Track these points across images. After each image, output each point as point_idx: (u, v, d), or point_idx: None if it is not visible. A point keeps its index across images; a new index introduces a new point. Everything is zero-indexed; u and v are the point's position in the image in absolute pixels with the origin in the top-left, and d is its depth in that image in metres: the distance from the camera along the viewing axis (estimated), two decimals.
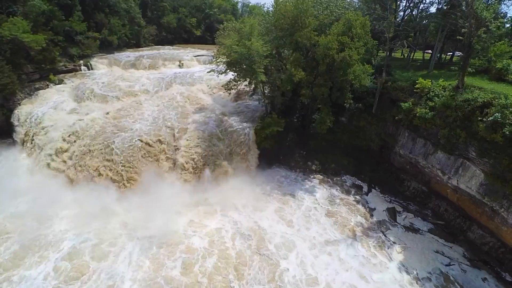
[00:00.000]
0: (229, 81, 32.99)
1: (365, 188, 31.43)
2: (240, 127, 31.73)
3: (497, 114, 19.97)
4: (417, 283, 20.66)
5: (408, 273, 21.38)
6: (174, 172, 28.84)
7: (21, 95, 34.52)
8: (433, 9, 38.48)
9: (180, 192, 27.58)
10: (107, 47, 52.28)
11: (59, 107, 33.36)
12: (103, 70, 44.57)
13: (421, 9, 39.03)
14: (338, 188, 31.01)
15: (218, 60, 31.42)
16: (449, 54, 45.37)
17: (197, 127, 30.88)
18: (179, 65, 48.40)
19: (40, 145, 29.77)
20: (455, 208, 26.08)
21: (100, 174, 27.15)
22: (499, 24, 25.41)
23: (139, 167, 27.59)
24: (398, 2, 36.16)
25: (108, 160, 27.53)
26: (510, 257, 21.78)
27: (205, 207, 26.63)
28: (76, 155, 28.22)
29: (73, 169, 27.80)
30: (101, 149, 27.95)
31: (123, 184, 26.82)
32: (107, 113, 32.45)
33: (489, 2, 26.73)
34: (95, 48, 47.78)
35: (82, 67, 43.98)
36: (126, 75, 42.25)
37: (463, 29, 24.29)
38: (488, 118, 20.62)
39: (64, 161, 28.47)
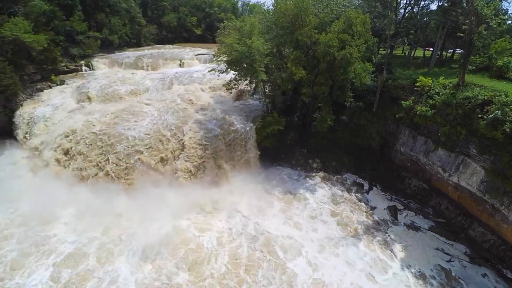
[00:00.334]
0: (230, 81, 33.04)
1: (366, 186, 31.51)
2: (241, 126, 31.80)
3: (497, 111, 20.00)
4: (420, 280, 20.72)
5: (411, 271, 21.44)
6: (175, 172, 28.95)
7: (23, 95, 34.71)
8: (433, 6, 38.51)
9: (181, 192, 27.55)
10: (108, 47, 52.48)
11: (60, 107, 33.52)
12: (104, 70, 44.70)
13: (422, 6, 38.94)
14: (340, 186, 31.11)
15: (219, 59, 31.45)
16: (450, 52, 45.24)
17: (198, 126, 30.93)
18: (180, 65, 48.46)
19: (42, 145, 29.96)
20: (456, 206, 26.13)
21: (101, 173, 27.35)
22: (499, 21, 25.28)
23: (138, 166, 27.73)
24: (399, 0, 36.05)
25: (109, 160, 27.71)
26: (511, 255, 21.84)
27: (207, 208, 26.53)
28: (78, 156, 28.39)
29: (74, 169, 27.99)
30: (101, 147, 28.12)
31: (124, 184, 26.96)
32: (113, 112, 32.62)
33: None
34: (96, 48, 48.01)
35: (83, 67, 44.15)
36: (127, 75, 42.33)
37: (463, 26, 24.27)
38: (489, 115, 20.65)
39: (65, 162, 28.62)
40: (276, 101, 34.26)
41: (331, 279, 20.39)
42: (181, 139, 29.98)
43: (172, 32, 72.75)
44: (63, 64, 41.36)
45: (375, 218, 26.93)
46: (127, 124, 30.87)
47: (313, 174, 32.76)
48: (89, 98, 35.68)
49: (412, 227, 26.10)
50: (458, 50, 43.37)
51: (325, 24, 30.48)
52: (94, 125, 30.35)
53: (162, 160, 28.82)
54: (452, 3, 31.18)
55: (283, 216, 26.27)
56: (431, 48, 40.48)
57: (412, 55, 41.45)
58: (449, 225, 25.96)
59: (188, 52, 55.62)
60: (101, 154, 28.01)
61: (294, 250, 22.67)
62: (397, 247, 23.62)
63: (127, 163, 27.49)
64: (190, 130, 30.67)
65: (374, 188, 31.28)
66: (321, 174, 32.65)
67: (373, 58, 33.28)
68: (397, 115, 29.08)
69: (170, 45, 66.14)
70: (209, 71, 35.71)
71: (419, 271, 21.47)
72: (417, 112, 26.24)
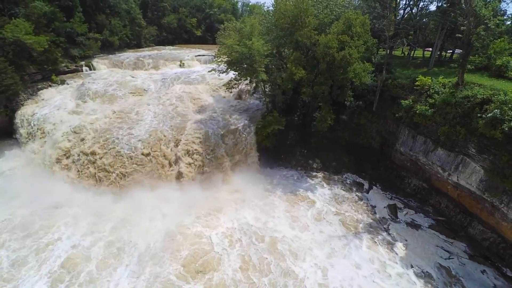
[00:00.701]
0: (230, 81, 33.23)
1: (366, 186, 31.64)
2: (241, 125, 31.94)
3: (496, 110, 20.15)
4: (423, 279, 20.79)
5: (413, 270, 21.48)
6: (175, 172, 29.02)
7: (24, 96, 34.83)
8: (433, 7, 38.67)
9: (182, 193, 27.61)
10: (108, 48, 52.66)
11: (61, 107, 33.64)
12: (105, 71, 44.85)
13: (421, 7, 39.17)
14: (340, 186, 31.22)
15: (219, 60, 31.63)
16: (449, 52, 45.50)
17: (198, 126, 31.07)
18: (180, 65, 48.65)
19: (43, 145, 30.04)
20: (455, 204, 26.26)
21: (102, 173, 27.45)
22: (497, 21, 25.49)
23: (139, 167, 27.83)
24: (398, 0, 36.27)
25: (109, 160, 27.81)
26: (511, 253, 21.95)
27: (208, 207, 26.39)
28: (78, 156, 28.46)
29: (74, 169, 28.08)
30: (102, 147, 28.23)
31: (124, 185, 27.05)
32: (114, 112, 32.75)
33: (488, 0, 26.81)
34: (96, 49, 48.20)
35: (84, 68, 44.30)
36: (127, 75, 42.50)
37: (462, 27, 24.47)
38: (488, 114, 20.78)
39: (67, 162, 28.68)
40: (276, 100, 34.43)
41: (339, 283, 20.25)
42: (181, 139, 30.11)
43: (172, 33, 72.94)
44: (63, 65, 41.56)
45: (376, 216, 27.05)
46: (127, 124, 30.99)
47: (314, 173, 32.89)
48: (89, 98, 35.81)
49: (413, 225, 26.23)
50: (457, 51, 43.61)
51: (325, 25, 30.69)
52: (94, 125, 30.50)
53: (162, 160, 28.92)
54: (451, 4, 31.42)
55: (286, 217, 26.18)
56: (430, 49, 40.74)
57: (411, 55, 41.68)
58: (449, 223, 26.09)
59: (188, 53, 55.81)
60: (101, 154, 28.12)
61: (299, 251, 22.48)
62: (399, 246, 23.70)
63: (127, 164, 27.61)
64: (191, 130, 30.79)
65: (374, 187, 31.42)
66: (322, 173, 32.78)
67: (373, 59, 33.48)
68: (397, 114, 29.24)
69: (170, 46, 66.36)
70: (209, 72, 35.95)
71: (421, 270, 21.53)
72: (417, 111, 26.41)
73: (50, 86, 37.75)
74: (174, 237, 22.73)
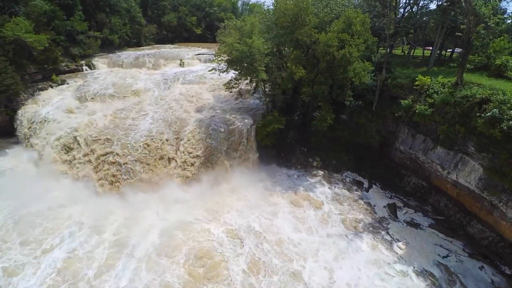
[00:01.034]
0: (230, 80, 33.28)
1: (365, 184, 31.76)
2: (241, 125, 32.02)
3: (495, 109, 20.26)
4: (421, 277, 20.95)
5: (414, 269, 21.60)
6: (175, 172, 29.11)
7: (25, 95, 34.87)
8: (433, 6, 38.68)
9: (183, 192, 27.71)
10: (108, 47, 52.64)
11: (61, 107, 33.66)
12: (105, 70, 44.86)
13: (421, 6, 39.17)
14: (340, 184, 31.34)
15: (219, 59, 31.66)
16: (449, 51, 45.49)
17: (199, 126, 31.15)
18: (180, 64, 48.61)
19: (43, 145, 30.11)
20: (454, 203, 26.39)
21: (102, 173, 27.57)
22: (497, 20, 25.50)
23: (140, 167, 27.94)
24: None
25: (109, 160, 27.93)
26: (509, 251, 22.10)
27: (209, 207, 26.41)
28: (79, 155, 28.58)
29: (75, 168, 28.22)
30: (103, 146, 28.34)
31: (124, 185, 27.15)
32: (113, 112, 32.81)
33: None
34: (97, 48, 48.16)
35: (84, 67, 44.32)
36: (127, 75, 42.50)
37: (462, 26, 24.50)
38: (486, 113, 20.90)
39: (67, 161, 28.81)
40: (276, 100, 34.48)
41: (339, 282, 20.32)
42: (182, 139, 30.21)
43: (172, 31, 72.87)
44: (64, 64, 41.57)
45: (376, 216, 27.18)
46: (128, 123, 31.10)
47: (314, 172, 32.99)
48: (89, 98, 35.84)
49: (412, 224, 26.37)
50: (457, 49, 43.62)
51: (325, 24, 30.67)
52: (95, 125, 30.59)
53: (162, 159, 29.02)
54: (451, 3, 31.42)
55: (287, 216, 26.26)
56: (430, 48, 40.75)
57: (411, 54, 41.68)
58: (448, 222, 26.23)
59: (188, 51, 55.74)
60: (102, 153, 28.24)
61: (300, 251, 22.53)
62: (400, 245, 23.77)
63: (128, 163, 27.72)
64: (191, 129, 30.89)
65: (373, 186, 31.55)
66: (321, 172, 32.89)
67: (373, 58, 33.53)
68: (396, 114, 29.33)
69: (170, 45, 66.26)
70: (209, 71, 35.99)
71: (421, 269, 21.67)
72: (416, 111, 26.51)
73: (50, 86, 37.77)
74: (175, 238, 22.70)
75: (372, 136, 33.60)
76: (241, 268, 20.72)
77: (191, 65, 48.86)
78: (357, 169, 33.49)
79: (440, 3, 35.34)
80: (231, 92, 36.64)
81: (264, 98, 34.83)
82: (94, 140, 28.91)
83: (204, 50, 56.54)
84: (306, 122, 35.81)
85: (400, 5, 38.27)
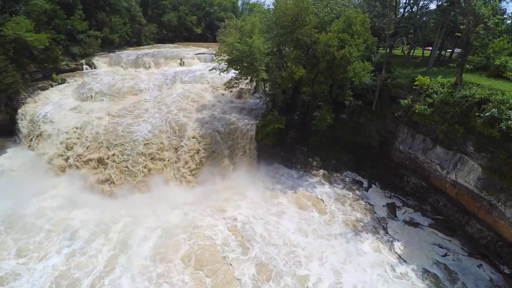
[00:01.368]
0: (231, 79, 33.34)
1: (365, 184, 31.84)
2: (241, 124, 32.11)
3: (494, 109, 20.32)
4: (421, 277, 21.02)
5: (413, 269, 21.66)
6: (176, 171, 29.19)
7: (25, 94, 34.92)
8: (433, 6, 38.78)
9: (184, 191, 27.81)
10: (108, 46, 52.68)
11: (62, 106, 33.74)
12: (105, 69, 44.97)
13: (421, 6, 39.27)
14: (340, 184, 31.41)
15: (219, 58, 31.73)
16: (449, 51, 45.58)
17: (199, 125, 31.23)
18: (180, 64, 48.66)
19: (43, 144, 30.20)
20: (454, 203, 26.48)
21: (102, 173, 27.63)
22: (497, 20, 25.58)
23: (140, 166, 28.01)
24: None
25: (111, 160, 28.00)
26: (508, 250, 22.18)
27: (209, 207, 26.41)
28: (79, 155, 28.64)
29: (75, 168, 28.28)
30: (104, 146, 28.41)
31: (125, 185, 27.24)
32: (113, 112, 32.83)
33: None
34: (97, 47, 48.21)
35: (84, 66, 44.39)
36: (127, 74, 42.61)
37: (462, 26, 24.56)
38: (485, 113, 20.96)
39: (67, 160, 28.89)
40: (276, 99, 34.55)
41: (338, 283, 20.35)
42: (182, 139, 30.28)
43: (172, 31, 72.91)
44: (64, 63, 41.65)
45: (376, 215, 27.24)
46: (128, 123, 31.14)
47: (313, 172, 33.05)
48: (90, 97, 35.90)
49: (411, 223, 26.44)
50: (457, 50, 43.71)
51: (325, 24, 30.75)
52: (95, 124, 30.63)
53: (162, 160, 29.11)
54: (451, 3, 31.49)
55: (288, 215, 26.29)
56: (430, 48, 40.85)
57: (411, 54, 41.77)
58: (447, 222, 26.30)
59: (188, 51, 55.78)
60: (103, 153, 28.31)
61: (300, 251, 22.57)
62: (399, 245, 23.85)
63: (129, 163, 27.80)
64: (191, 129, 30.96)
65: (373, 185, 31.62)
66: (321, 172, 32.95)
67: (373, 58, 33.62)
68: (396, 114, 29.41)
69: (170, 44, 66.28)
70: (209, 70, 36.12)
71: (421, 268, 21.73)
72: (416, 111, 26.57)
73: (50, 85, 37.83)
74: (175, 238, 22.66)
75: (372, 136, 33.69)
76: (251, 272, 20.57)
77: (191, 64, 48.92)
78: (357, 168, 33.57)
79: (440, 3, 35.45)
80: (231, 91, 36.74)
81: (264, 98, 34.92)
82: (94, 140, 28.98)
83: (204, 50, 56.64)
84: (306, 122, 35.91)
85: (400, 5, 38.40)
